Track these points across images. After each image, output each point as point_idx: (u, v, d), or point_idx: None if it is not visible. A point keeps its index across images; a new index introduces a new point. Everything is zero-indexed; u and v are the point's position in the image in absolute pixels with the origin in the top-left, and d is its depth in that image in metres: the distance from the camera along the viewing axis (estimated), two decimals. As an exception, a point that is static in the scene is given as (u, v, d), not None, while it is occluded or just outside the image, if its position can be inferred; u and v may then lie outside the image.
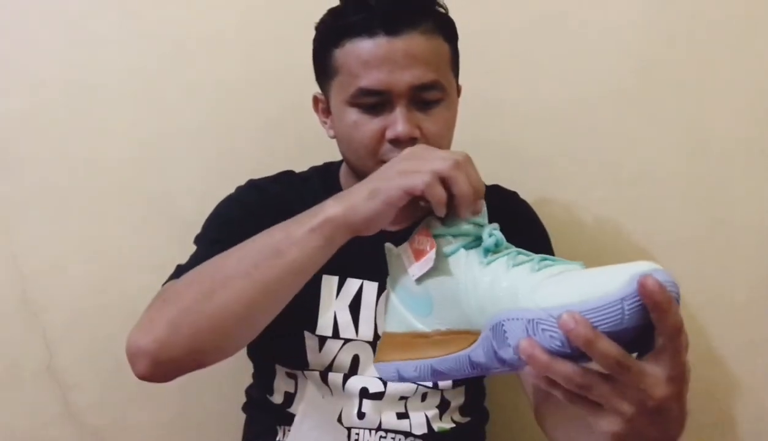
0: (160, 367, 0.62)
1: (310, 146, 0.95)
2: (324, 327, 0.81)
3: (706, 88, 1.04)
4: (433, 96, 0.75)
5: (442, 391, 0.85)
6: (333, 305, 0.82)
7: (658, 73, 1.04)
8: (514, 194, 0.95)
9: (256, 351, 0.89)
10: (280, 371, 0.85)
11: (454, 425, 0.86)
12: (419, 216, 0.59)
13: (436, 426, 0.85)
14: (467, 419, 0.89)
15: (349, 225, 0.59)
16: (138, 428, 1.10)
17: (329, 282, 0.82)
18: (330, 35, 0.77)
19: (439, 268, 0.55)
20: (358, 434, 0.82)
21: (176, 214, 1.07)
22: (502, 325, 0.48)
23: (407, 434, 0.83)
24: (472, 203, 0.56)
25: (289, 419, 0.84)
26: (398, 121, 0.73)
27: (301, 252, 0.60)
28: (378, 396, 0.82)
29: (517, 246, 0.55)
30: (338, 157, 0.85)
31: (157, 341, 0.61)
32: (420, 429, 0.84)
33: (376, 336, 0.82)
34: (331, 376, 0.82)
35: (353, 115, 0.75)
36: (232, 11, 1.06)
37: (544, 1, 1.05)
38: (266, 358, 0.87)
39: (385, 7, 0.73)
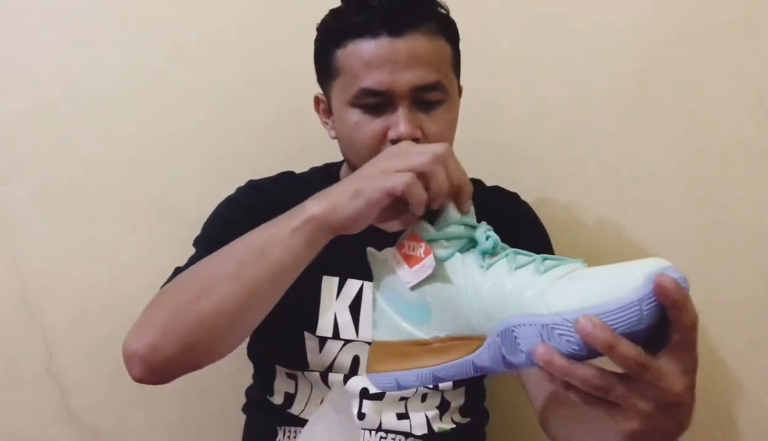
0: (155, 369, 0.63)
1: (311, 147, 0.95)
2: (324, 328, 0.81)
3: (706, 88, 1.04)
4: (434, 97, 0.75)
5: (442, 391, 0.85)
6: (333, 306, 0.82)
7: (658, 73, 1.04)
8: (515, 195, 0.95)
9: (256, 352, 0.89)
10: (280, 372, 0.85)
11: (454, 426, 0.86)
12: (409, 213, 0.59)
13: (436, 426, 0.85)
14: (467, 420, 0.88)
15: (330, 224, 0.59)
16: (138, 429, 1.10)
17: (329, 283, 0.82)
18: (332, 36, 0.77)
19: (435, 274, 0.54)
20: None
21: (176, 215, 1.07)
22: (512, 331, 0.48)
23: (407, 435, 0.83)
24: (445, 198, 0.56)
25: (289, 420, 0.84)
26: (400, 122, 0.73)
27: (285, 252, 0.60)
28: (378, 397, 0.82)
29: (518, 247, 0.54)
30: (338, 157, 0.85)
31: (149, 345, 0.62)
32: (420, 429, 0.84)
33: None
34: (332, 376, 0.82)
35: (355, 115, 0.75)
36: (232, 11, 1.06)
37: (544, 1, 1.05)
38: (266, 358, 0.87)
39: (386, 7, 0.73)
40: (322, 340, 0.81)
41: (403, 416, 0.84)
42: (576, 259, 0.51)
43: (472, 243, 0.54)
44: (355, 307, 0.82)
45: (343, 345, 0.81)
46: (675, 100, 1.04)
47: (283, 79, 1.05)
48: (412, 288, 0.55)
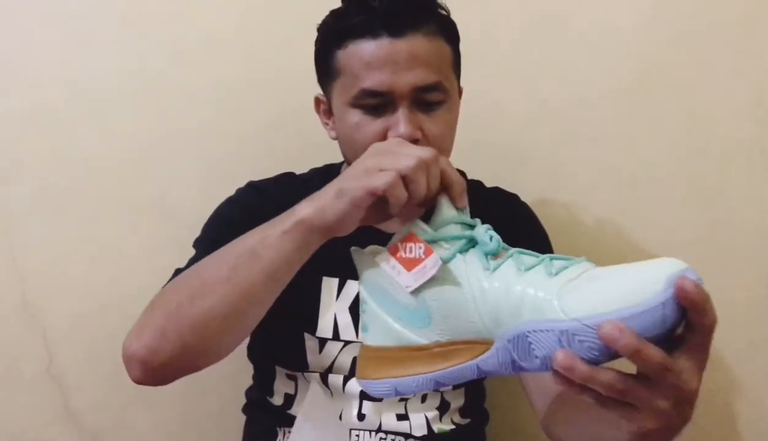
0: (153, 371, 0.63)
1: (311, 147, 0.95)
2: (324, 329, 0.81)
3: (706, 88, 1.04)
4: (435, 97, 0.75)
5: (442, 393, 0.85)
6: (333, 307, 0.82)
7: (658, 73, 1.04)
8: (515, 196, 0.95)
9: (256, 352, 0.89)
10: (280, 373, 0.85)
11: (454, 426, 0.86)
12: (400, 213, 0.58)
13: (436, 427, 0.85)
14: (467, 421, 0.88)
15: (320, 226, 0.58)
16: (137, 430, 1.10)
17: (329, 284, 0.82)
18: (332, 36, 0.77)
19: (436, 276, 0.52)
20: (358, 436, 0.82)
21: (176, 215, 1.07)
22: (527, 336, 0.47)
23: (407, 436, 0.83)
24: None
25: (289, 421, 0.83)
26: (400, 122, 0.73)
27: (276, 254, 0.59)
28: (378, 397, 0.82)
29: (518, 248, 0.53)
30: (339, 158, 0.85)
31: (146, 347, 0.62)
32: (420, 430, 0.84)
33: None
34: (332, 377, 0.82)
35: (355, 116, 0.75)
36: (232, 11, 1.06)
37: (544, 2, 1.05)
38: (266, 359, 0.87)
39: (387, 8, 0.73)
40: (322, 341, 0.81)
41: (402, 417, 0.84)
42: (579, 257, 0.50)
43: (471, 243, 0.53)
44: (355, 308, 0.82)
45: (343, 346, 0.81)
46: (675, 100, 1.04)
47: (283, 79, 1.04)
48: (413, 292, 0.53)
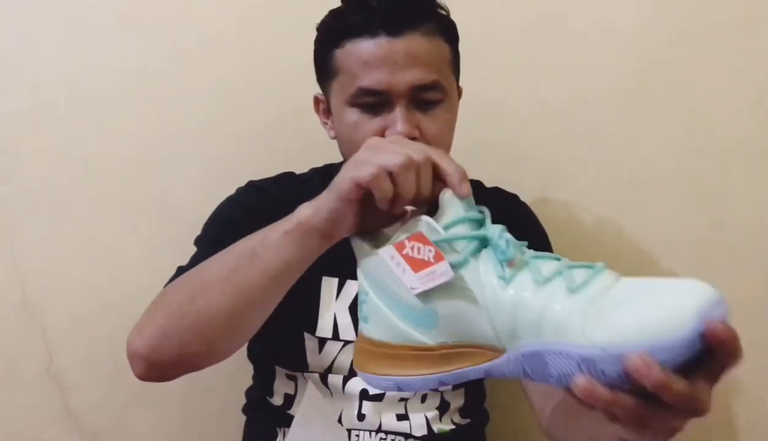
0: (155, 369, 0.64)
1: (311, 147, 0.95)
2: (324, 328, 0.81)
3: (706, 88, 1.04)
4: (433, 96, 0.75)
5: (442, 392, 0.85)
6: (333, 307, 0.82)
7: (658, 73, 1.04)
8: (515, 196, 0.95)
9: (256, 352, 0.89)
10: (280, 373, 0.85)
11: (454, 427, 0.86)
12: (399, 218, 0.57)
13: (436, 427, 0.85)
14: (467, 421, 0.88)
15: (317, 227, 0.57)
16: (137, 430, 1.10)
17: (329, 284, 0.82)
18: (331, 36, 0.77)
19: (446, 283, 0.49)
20: (358, 436, 0.82)
21: (176, 215, 1.07)
22: (544, 356, 0.45)
23: (407, 436, 0.83)
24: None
25: (288, 421, 0.83)
26: (398, 121, 0.73)
27: (276, 256, 0.59)
28: (378, 397, 0.82)
29: None
30: (339, 158, 0.85)
31: (148, 345, 0.63)
32: (420, 430, 0.84)
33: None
34: (331, 377, 0.82)
35: (353, 115, 0.75)
36: (232, 11, 1.06)
37: (544, 2, 1.05)
38: (266, 359, 0.87)
39: (386, 8, 0.73)
40: (322, 341, 0.81)
41: (402, 417, 0.84)
42: (597, 263, 0.48)
43: (483, 242, 0.50)
44: (354, 308, 0.81)
45: (343, 346, 0.81)
46: (675, 100, 1.04)
47: (283, 79, 1.04)
48: (419, 295, 0.50)
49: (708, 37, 1.03)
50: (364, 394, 0.82)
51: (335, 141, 0.82)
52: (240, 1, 1.06)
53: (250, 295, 0.60)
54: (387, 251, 0.51)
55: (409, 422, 0.83)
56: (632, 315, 0.43)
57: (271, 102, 1.06)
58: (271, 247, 0.59)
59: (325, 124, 0.84)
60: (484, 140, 1.04)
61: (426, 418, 0.84)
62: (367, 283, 0.55)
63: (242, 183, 0.88)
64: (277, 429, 0.85)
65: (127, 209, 1.07)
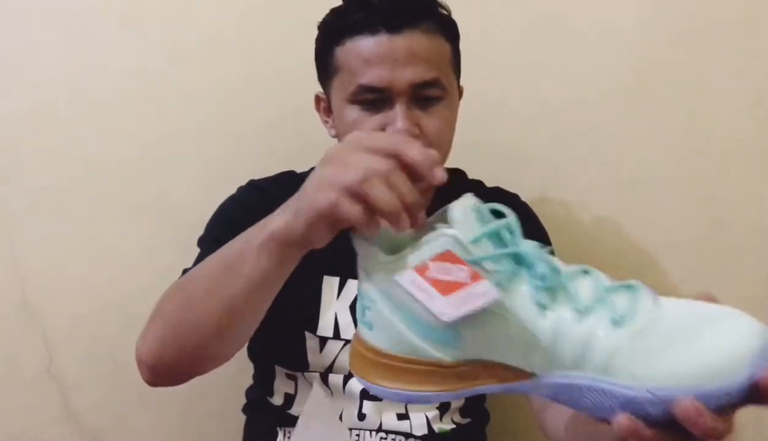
0: (160, 375, 0.65)
1: (311, 147, 0.95)
2: (325, 328, 0.81)
3: (706, 88, 1.04)
4: (433, 94, 0.75)
5: (442, 392, 0.85)
6: (334, 306, 0.82)
7: (658, 73, 1.04)
8: (515, 196, 0.95)
9: (256, 352, 0.89)
10: (280, 372, 0.85)
11: (454, 426, 0.86)
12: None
13: (437, 427, 0.85)
14: (468, 420, 0.88)
15: (291, 242, 0.52)
16: (137, 430, 1.09)
17: (330, 283, 0.82)
18: (332, 34, 0.77)
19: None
20: (358, 435, 0.82)
21: (176, 215, 1.07)
22: (582, 389, 0.43)
23: (408, 435, 0.83)
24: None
25: (289, 421, 0.83)
26: (398, 119, 0.73)
27: (253, 270, 0.55)
28: (378, 397, 0.82)
29: None
30: (339, 157, 0.85)
31: (150, 353, 0.64)
32: (420, 430, 0.83)
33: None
34: (332, 377, 0.82)
35: (353, 112, 0.76)
36: (232, 11, 1.06)
37: (544, 2, 1.05)
38: (266, 358, 0.87)
39: (387, 5, 0.73)
40: (323, 340, 0.81)
41: (403, 417, 0.83)
42: (633, 281, 0.45)
43: (515, 260, 0.44)
44: (355, 307, 0.82)
45: (344, 345, 0.81)
46: (675, 100, 1.04)
47: (283, 79, 1.05)
48: (448, 319, 0.44)
49: (708, 37, 1.03)
50: (364, 394, 0.82)
51: (336, 140, 0.82)
52: (240, 1, 1.06)
53: (233, 307, 0.59)
54: (407, 277, 0.45)
55: (410, 422, 0.83)
56: (683, 358, 0.42)
57: (271, 102, 1.06)
58: (248, 262, 0.55)
59: (326, 122, 0.84)
60: (484, 140, 1.04)
61: (426, 417, 0.84)
62: (374, 292, 0.47)
63: (242, 183, 0.88)
64: (278, 429, 0.85)
65: (127, 209, 1.07)
